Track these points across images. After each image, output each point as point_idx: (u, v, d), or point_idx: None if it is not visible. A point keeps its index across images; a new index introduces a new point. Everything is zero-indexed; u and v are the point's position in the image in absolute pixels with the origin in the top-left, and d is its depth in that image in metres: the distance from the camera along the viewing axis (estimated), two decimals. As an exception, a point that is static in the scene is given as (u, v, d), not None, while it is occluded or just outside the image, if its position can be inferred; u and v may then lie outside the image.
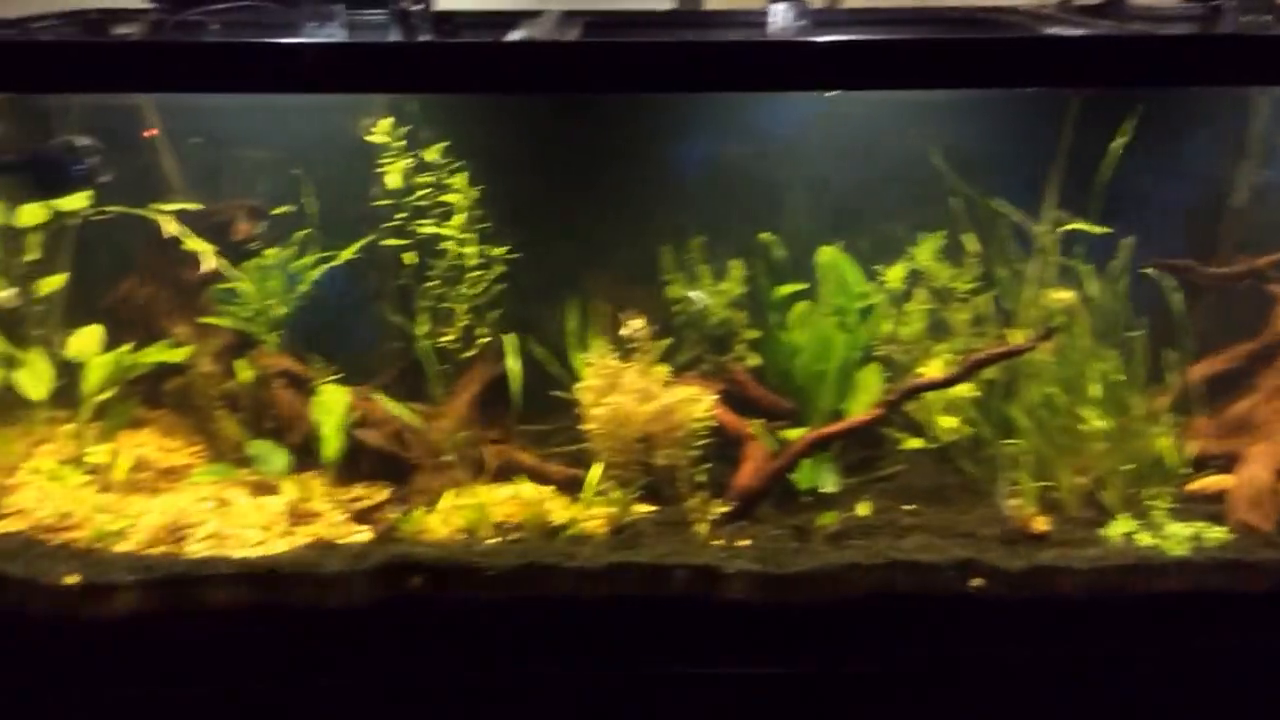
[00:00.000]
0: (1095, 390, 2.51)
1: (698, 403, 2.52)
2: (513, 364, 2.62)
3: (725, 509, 2.46)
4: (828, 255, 2.63)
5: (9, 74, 2.17)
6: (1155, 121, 2.54)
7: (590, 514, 2.45)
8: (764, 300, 2.69)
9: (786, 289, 2.65)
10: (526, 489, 2.55)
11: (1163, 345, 2.54)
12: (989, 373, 2.56)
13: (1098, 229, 2.53)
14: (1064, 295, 2.54)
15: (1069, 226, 2.54)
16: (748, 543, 2.38)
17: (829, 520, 2.38)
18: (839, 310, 2.60)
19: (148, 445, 2.72)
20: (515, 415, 2.66)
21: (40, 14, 2.60)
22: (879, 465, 2.63)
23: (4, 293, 2.44)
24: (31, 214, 2.50)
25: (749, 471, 2.51)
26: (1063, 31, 2.34)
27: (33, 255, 2.52)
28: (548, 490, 2.56)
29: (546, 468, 2.59)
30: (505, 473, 2.59)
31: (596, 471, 2.48)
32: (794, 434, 2.54)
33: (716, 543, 2.38)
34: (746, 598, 2.28)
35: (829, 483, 2.47)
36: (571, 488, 2.56)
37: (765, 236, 2.67)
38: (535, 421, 2.75)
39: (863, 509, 2.44)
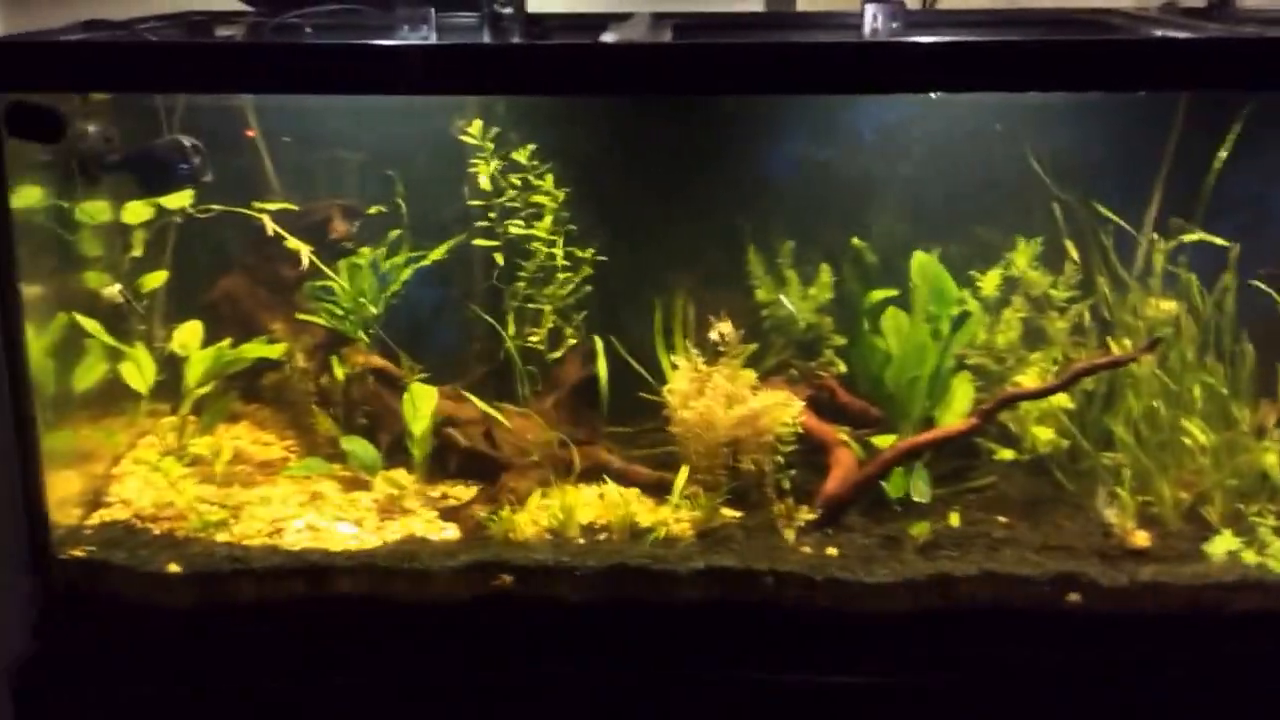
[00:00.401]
0: (1199, 403, 2.44)
1: (786, 408, 2.50)
2: (601, 366, 2.62)
3: (813, 516, 2.44)
4: (922, 261, 2.60)
5: (119, 74, 2.23)
6: (1264, 125, 2.47)
7: (677, 517, 2.44)
8: (855, 306, 2.66)
9: (878, 294, 2.61)
10: (613, 491, 2.55)
11: (1271, 357, 2.47)
12: (1086, 383, 2.51)
13: (1218, 240, 2.46)
14: (1168, 305, 2.48)
15: (1188, 238, 2.47)
16: (835, 551, 2.35)
17: (920, 530, 2.35)
18: (932, 317, 2.56)
19: (244, 438, 2.78)
20: (602, 417, 2.67)
21: (145, 16, 2.66)
22: (970, 475, 2.59)
23: (110, 289, 2.49)
24: (136, 212, 2.55)
25: (837, 478, 2.49)
26: (1171, 34, 2.28)
27: (137, 252, 2.57)
28: (633, 492, 2.56)
29: (633, 470, 2.59)
30: (592, 474, 2.59)
31: (683, 475, 2.47)
32: (884, 441, 2.52)
33: (804, 550, 2.35)
34: (835, 606, 2.26)
35: (921, 492, 2.43)
36: (658, 490, 2.56)
37: (857, 242, 2.64)
38: (621, 423, 2.75)
39: (954, 519, 2.40)
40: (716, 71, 2.18)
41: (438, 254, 2.79)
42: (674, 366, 2.68)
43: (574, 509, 2.44)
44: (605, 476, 2.59)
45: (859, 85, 2.31)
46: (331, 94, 2.43)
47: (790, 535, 2.40)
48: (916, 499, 2.44)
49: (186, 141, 2.40)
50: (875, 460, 2.45)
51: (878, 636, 2.26)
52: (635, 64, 2.19)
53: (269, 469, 2.66)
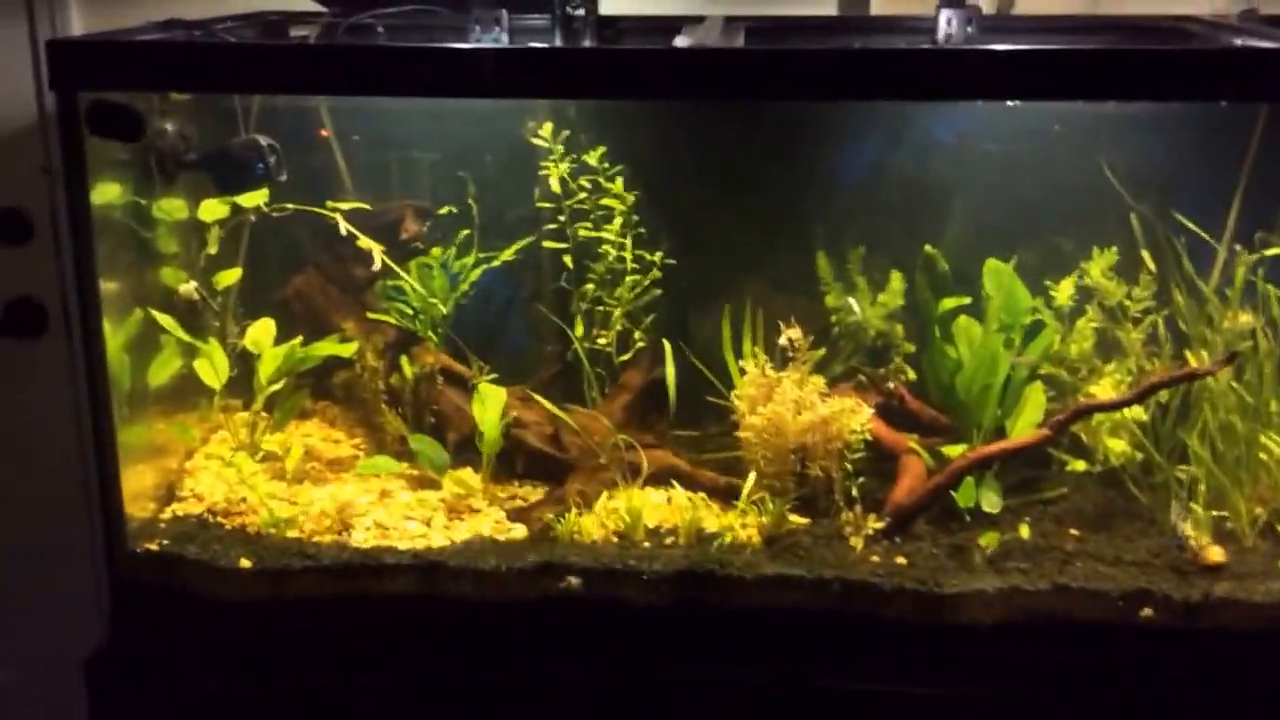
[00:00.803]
0: (1277, 418, 2.40)
1: (855, 415, 2.49)
2: (670, 370, 2.62)
3: (881, 524, 2.42)
4: (995, 268, 2.57)
5: (198, 74, 2.25)
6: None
7: (744, 523, 2.44)
8: (926, 313, 2.64)
9: (951, 302, 2.59)
10: (680, 495, 2.55)
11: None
12: (1159, 395, 2.48)
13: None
14: (1245, 318, 2.44)
15: (1270, 251, 2.44)
16: (904, 560, 2.34)
17: (990, 541, 2.33)
18: (1005, 326, 2.53)
19: (313, 435, 2.81)
20: (670, 421, 2.67)
21: (222, 16, 2.69)
22: (1040, 487, 2.56)
23: (186, 286, 2.53)
24: (212, 210, 2.58)
25: (906, 487, 2.47)
26: (1252, 43, 2.24)
27: (212, 250, 2.60)
28: (700, 497, 2.56)
29: (701, 474, 2.58)
30: (659, 478, 2.59)
31: (751, 480, 2.46)
32: (954, 451, 2.49)
33: (873, 558, 2.34)
34: (905, 616, 2.24)
35: (991, 502, 2.41)
36: (725, 495, 2.55)
37: (929, 249, 2.62)
38: (686, 427, 2.75)
39: (1025, 531, 2.38)
40: (793, 78, 2.17)
41: (507, 255, 2.80)
42: (741, 371, 2.67)
43: (641, 512, 2.44)
44: (672, 480, 2.58)
45: (934, 93, 2.29)
46: (404, 96, 2.43)
47: (858, 543, 2.39)
48: (986, 509, 2.42)
49: (263, 141, 2.43)
50: (946, 469, 2.42)
51: (947, 648, 2.24)
52: (711, 70, 2.19)
53: (338, 466, 2.68)
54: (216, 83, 2.33)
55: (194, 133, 2.47)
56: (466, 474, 2.63)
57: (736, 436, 2.58)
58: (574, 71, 2.24)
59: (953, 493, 2.42)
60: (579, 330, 2.79)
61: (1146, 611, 2.23)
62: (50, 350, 3.00)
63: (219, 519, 2.48)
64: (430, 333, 2.81)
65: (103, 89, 2.18)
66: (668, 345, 2.66)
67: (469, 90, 2.28)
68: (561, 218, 2.72)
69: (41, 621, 3.13)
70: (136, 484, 2.44)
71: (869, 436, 2.49)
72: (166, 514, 2.49)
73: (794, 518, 2.48)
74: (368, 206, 2.67)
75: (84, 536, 3.10)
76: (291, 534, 2.43)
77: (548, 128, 2.69)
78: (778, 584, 2.28)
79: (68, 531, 3.08)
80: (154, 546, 2.37)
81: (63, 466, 3.07)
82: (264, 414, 2.68)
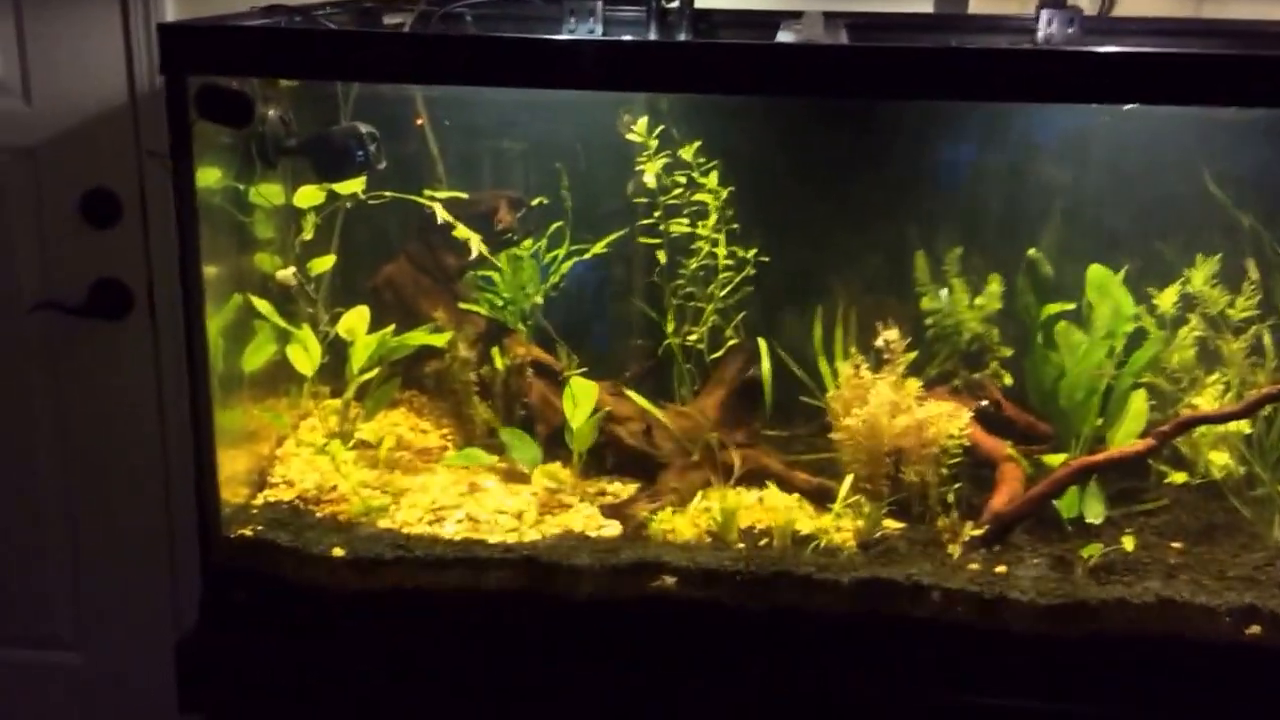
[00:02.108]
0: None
1: (953, 419, 2.45)
2: (765, 368, 2.60)
3: (979, 532, 2.38)
4: (1098, 275, 2.52)
5: (308, 61, 2.24)
6: None
7: (838, 526, 2.41)
8: (1028, 318, 2.60)
9: (1054, 307, 2.55)
10: (772, 496, 2.52)
11: None
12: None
13: None
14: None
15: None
16: (1004, 569, 2.30)
17: (1093, 552, 2.28)
18: (1110, 333, 2.49)
19: (401, 425, 2.80)
20: (764, 420, 2.64)
21: (319, 2, 2.69)
22: (1139, 498, 2.51)
23: (284, 271, 2.52)
24: (309, 196, 2.58)
25: (1005, 494, 2.43)
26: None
27: (307, 236, 2.60)
28: (794, 498, 2.53)
29: (793, 475, 2.55)
30: (751, 477, 2.56)
31: (847, 483, 2.43)
32: (1055, 460, 2.45)
33: (972, 566, 2.30)
34: (1005, 626, 2.20)
35: (1095, 512, 2.37)
36: (818, 497, 2.52)
37: (1034, 252, 2.57)
38: (775, 426, 2.73)
39: (1128, 543, 2.33)
40: (897, 76, 2.13)
41: (598, 248, 2.78)
42: (834, 372, 2.64)
43: (735, 513, 2.41)
44: (766, 481, 2.55)
45: (1035, 94, 2.25)
46: (497, 86, 2.41)
47: (956, 550, 2.35)
48: (1090, 520, 2.37)
49: (363, 129, 2.42)
50: (1048, 478, 2.38)
51: (1048, 660, 2.20)
52: (816, 66, 2.16)
53: (427, 456, 2.67)
54: (326, 70, 2.31)
55: (294, 119, 2.46)
56: (555, 469, 2.61)
57: (829, 438, 2.55)
58: (678, 65, 2.21)
59: (1055, 502, 2.38)
60: (670, 326, 2.76)
61: (1254, 629, 2.18)
62: (134, 333, 3.01)
63: (310, 506, 2.47)
64: (520, 324, 2.80)
65: (212, 74, 2.18)
66: (764, 344, 2.63)
67: (573, 82, 2.26)
68: (656, 214, 2.70)
69: (118, 605, 3.16)
70: (229, 469, 2.44)
71: (967, 442, 2.45)
72: (259, 500, 2.49)
73: (889, 522, 2.44)
74: (464, 196, 2.65)
75: (162, 520, 3.12)
76: (383, 524, 2.42)
77: (642, 123, 2.66)
78: (874, 589, 2.25)
79: (148, 515, 3.10)
80: (248, 532, 2.37)
81: (144, 449, 3.09)
82: (356, 402, 2.66)
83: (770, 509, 2.49)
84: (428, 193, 2.60)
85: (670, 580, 2.28)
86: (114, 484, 3.10)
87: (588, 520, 2.46)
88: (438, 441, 2.75)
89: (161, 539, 3.14)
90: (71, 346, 3.00)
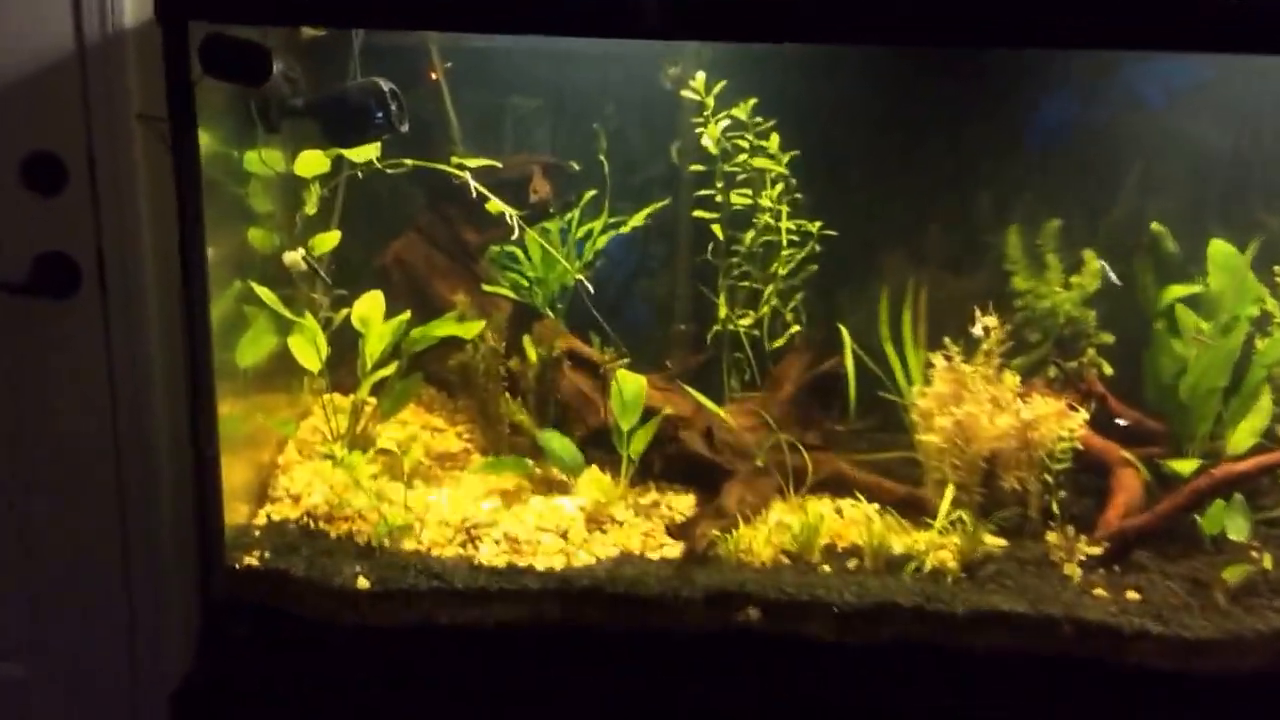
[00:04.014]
0: None
1: (1064, 419, 2.14)
2: (848, 359, 2.27)
3: (1096, 549, 2.08)
4: (1222, 252, 2.22)
5: (335, 5, 1.87)
6: None
7: (936, 543, 2.09)
8: (1148, 301, 2.28)
9: (1180, 289, 2.23)
10: (852, 506, 2.21)
11: None
12: None
13: None
14: None
15: None
16: (1137, 594, 2.00)
17: (1236, 574, 1.99)
18: (1237, 318, 2.18)
19: (411, 423, 2.45)
20: (842, 419, 2.32)
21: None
22: (1263, 508, 2.22)
23: (293, 254, 2.15)
24: (312, 164, 2.20)
25: (1122, 505, 2.14)
26: None
27: (310, 210, 2.23)
28: (875, 509, 2.21)
29: (878, 483, 2.24)
30: (826, 485, 2.24)
31: (949, 495, 2.12)
32: (1184, 465, 2.15)
33: (1098, 592, 2.00)
34: (1146, 662, 1.91)
35: (1239, 529, 2.07)
36: (904, 507, 2.20)
37: (1157, 227, 2.25)
38: (839, 421, 2.41)
39: (1267, 561, 2.04)
40: (1003, 19, 1.80)
41: (638, 220, 2.44)
42: (902, 361, 2.33)
43: (817, 529, 2.09)
44: (844, 489, 2.24)
45: (1148, 40, 1.93)
46: (545, 34, 2.05)
47: (1074, 572, 2.04)
48: (1233, 537, 2.08)
49: (385, 85, 2.04)
50: (1186, 488, 2.08)
51: (1199, 700, 1.91)
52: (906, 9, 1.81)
53: (448, 462, 2.32)
54: (354, 16, 1.94)
55: (301, 75, 2.08)
56: (595, 476, 2.27)
57: (916, 439, 2.24)
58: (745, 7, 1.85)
59: (1196, 517, 2.08)
60: (723, 310, 2.43)
61: None
62: (83, 312, 2.60)
63: (321, 524, 2.12)
64: (548, 309, 2.45)
65: (220, 21, 1.79)
66: (845, 332, 2.30)
67: (628, 29, 1.90)
68: (719, 184, 2.36)
69: (65, 612, 2.77)
70: (227, 481, 2.07)
71: (1078, 445, 2.14)
72: (260, 518, 2.13)
73: (989, 538, 2.13)
74: (497, 164, 2.28)
75: (113, 520, 2.72)
76: (408, 545, 2.07)
77: (701, 78, 2.31)
78: (993, 622, 1.94)
79: (98, 514, 2.70)
80: (252, 560, 2.01)
81: (94, 441, 2.68)
82: (369, 399, 2.30)
83: (852, 523, 2.17)
84: (455, 160, 2.22)
85: (755, 613, 1.96)
86: (60, 480, 2.69)
87: (645, 539, 2.12)
88: (456, 444, 2.40)
89: (113, 540, 2.75)
90: (12, 328, 2.58)
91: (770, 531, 2.12)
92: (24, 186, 2.51)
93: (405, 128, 2.09)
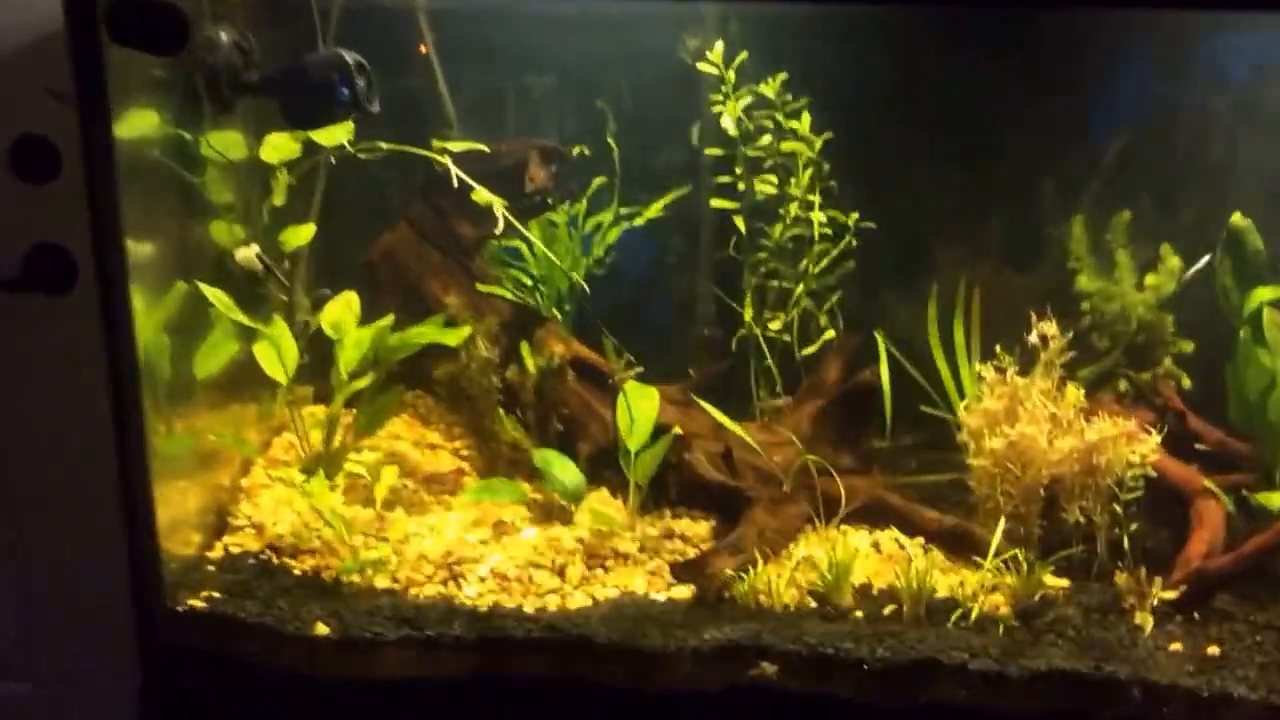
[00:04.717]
0: None
1: (1135, 441, 1.84)
2: (884, 371, 1.99)
3: (1172, 594, 1.79)
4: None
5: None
6: None
7: (988, 584, 1.81)
8: (1230, 305, 1.97)
9: (1268, 292, 1.92)
10: (893, 538, 1.93)
11: None
12: None
13: None
14: None
15: None
16: (1217, 650, 1.70)
17: (1343, 628, 1.69)
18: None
19: (403, 438, 2.20)
20: (879, 439, 2.04)
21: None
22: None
23: (245, 250, 1.90)
24: (280, 148, 1.95)
25: (1203, 541, 1.84)
26: None
27: (278, 201, 1.98)
28: (918, 543, 1.93)
29: (921, 513, 1.96)
30: (867, 515, 1.96)
31: (999, 531, 1.83)
32: (1273, 498, 1.85)
33: (1173, 646, 1.70)
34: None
35: (1344, 574, 1.77)
36: (951, 541, 1.92)
37: (1239, 220, 1.94)
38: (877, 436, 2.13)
39: (1378, 612, 1.73)
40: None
41: (654, 211, 2.17)
42: (953, 370, 2.04)
43: (848, 567, 1.81)
44: (879, 518, 1.96)
45: None
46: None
47: (1146, 621, 1.75)
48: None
49: (349, 57, 1.78)
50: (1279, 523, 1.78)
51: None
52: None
53: (438, 485, 2.07)
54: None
55: (255, 45, 1.83)
56: (603, 500, 2.02)
57: (960, 460, 1.95)
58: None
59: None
60: (748, 313, 2.15)
61: None
62: (79, 309, 2.37)
63: (285, 559, 1.87)
64: (555, 310, 2.19)
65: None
66: (883, 341, 2.02)
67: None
68: (739, 171, 2.09)
69: (69, 626, 2.56)
70: (176, 509, 1.84)
71: (1151, 471, 1.85)
72: (217, 550, 1.89)
73: (1049, 579, 1.84)
74: (484, 148, 2.01)
75: (116, 532, 2.51)
76: (381, 582, 1.82)
77: (718, 50, 2.04)
78: (1049, 684, 1.65)
79: (99, 525, 2.49)
80: (198, 603, 1.77)
81: (93, 446, 2.45)
82: (346, 411, 2.06)
83: (891, 559, 1.88)
84: (436, 144, 1.95)
85: (770, 668, 1.68)
86: (59, 488, 2.47)
87: (651, 579, 1.86)
88: (450, 462, 2.15)
89: (116, 553, 2.52)
90: (3, 326, 2.36)
91: (794, 569, 1.85)
92: (13, 173, 2.27)
93: (376, 107, 1.83)
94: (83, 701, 2.45)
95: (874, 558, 1.92)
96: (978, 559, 1.85)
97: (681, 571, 1.85)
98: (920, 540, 1.95)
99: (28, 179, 2.25)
